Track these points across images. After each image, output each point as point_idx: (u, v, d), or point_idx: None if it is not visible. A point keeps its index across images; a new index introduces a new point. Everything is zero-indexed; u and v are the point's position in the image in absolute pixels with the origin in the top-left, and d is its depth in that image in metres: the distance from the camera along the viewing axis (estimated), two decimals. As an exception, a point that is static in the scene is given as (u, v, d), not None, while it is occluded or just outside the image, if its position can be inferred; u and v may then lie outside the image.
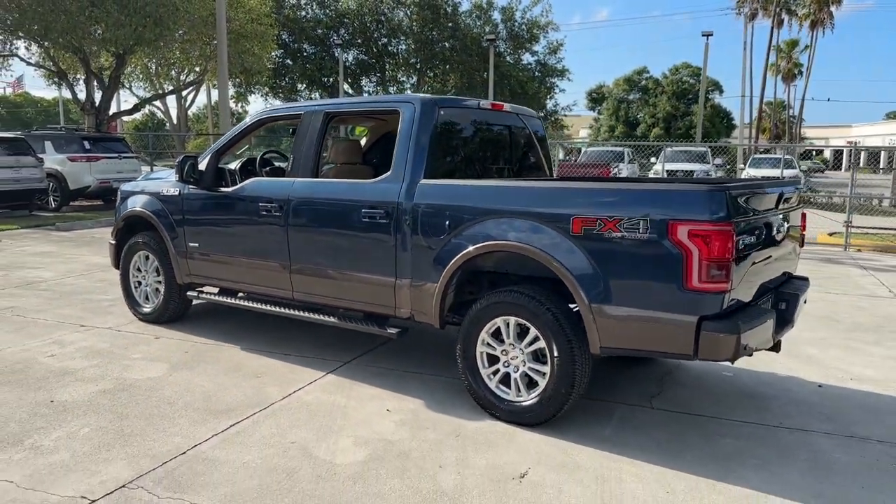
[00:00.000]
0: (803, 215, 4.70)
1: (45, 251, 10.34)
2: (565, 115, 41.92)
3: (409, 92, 39.90)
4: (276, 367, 4.98)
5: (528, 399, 3.98)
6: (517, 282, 4.12)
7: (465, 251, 4.06)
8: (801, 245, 4.69)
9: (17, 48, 21.15)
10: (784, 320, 4.17)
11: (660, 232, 3.43)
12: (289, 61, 37.15)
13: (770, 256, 3.97)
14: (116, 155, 16.82)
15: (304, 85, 38.89)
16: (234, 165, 5.91)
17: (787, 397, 4.61)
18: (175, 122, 41.01)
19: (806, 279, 4.71)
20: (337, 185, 4.81)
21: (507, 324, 4.02)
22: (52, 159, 16.07)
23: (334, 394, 4.48)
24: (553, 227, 3.76)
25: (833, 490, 3.32)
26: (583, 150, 28.44)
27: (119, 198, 6.38)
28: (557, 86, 38.54)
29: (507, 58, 36.15)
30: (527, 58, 37.96)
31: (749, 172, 23.90)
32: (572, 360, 3.78)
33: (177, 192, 5.70)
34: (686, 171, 22.44)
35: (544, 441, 3.83)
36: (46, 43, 19.48)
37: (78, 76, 21.44)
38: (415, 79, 39.47)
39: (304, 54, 37.53)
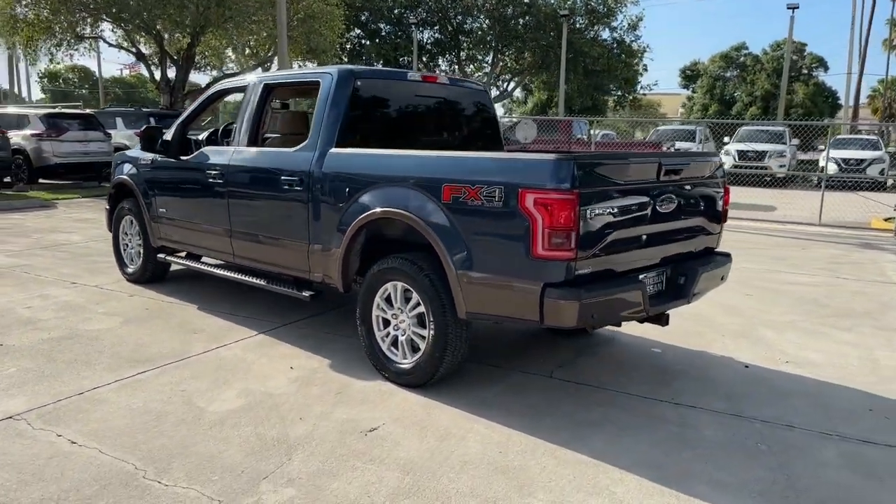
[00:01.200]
0: (726, 189, 4.55)
1: (88, 218, 11.18)
2: (644, 94, 40.67)
3: (485, 71, 39.86)
4: (217, 326, 5.31)
5: (411, 362, 4.10)
6: (408, 248, 4.23)
7: (358, 218, 4.21)
8: (722, 221, 4.54)
9: (102, 30, 22.63)
10: (676, 294, 4.09)
11: (511, 200, 3.46)
12: (366, 41, 37.82)
13: (655, 229, 3.90)
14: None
15: (381, 64, 39.52)
16: (202, 136, 6.25)
17: (699, 374, 4.51)
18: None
19: (726, 255, 4.58)
20: (264, 154, 5.04)
21: (396, 289, 4.15)
22: (121, 134, 17.22)
23: (252, 352, 4.74)
24: (428, 195, 3.85)
25: (674, 464, 3.28)
26: (653, 129, 27.60)
27: (113, 165, 6.87)
28: (639, 63, 37.42)
29: (584, 34, 35.35)
30: (605, 34, 37.03)
31: (832, 154, 22.53)
32: (445, 325, 3.88)
33: (149, 161, 6.10)
34: (757, 152, 21.48)
35: (418, 401, 3.95)
36: (128, 25, 20.73)
37: (154, 57, 22.67)
38: (490, 57, 39.33)
39: (382, 34, 38.08)
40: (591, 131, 19.77)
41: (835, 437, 3.62)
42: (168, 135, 5.86)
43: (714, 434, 3.62)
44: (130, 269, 6.64)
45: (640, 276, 3.88)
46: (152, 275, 6.49)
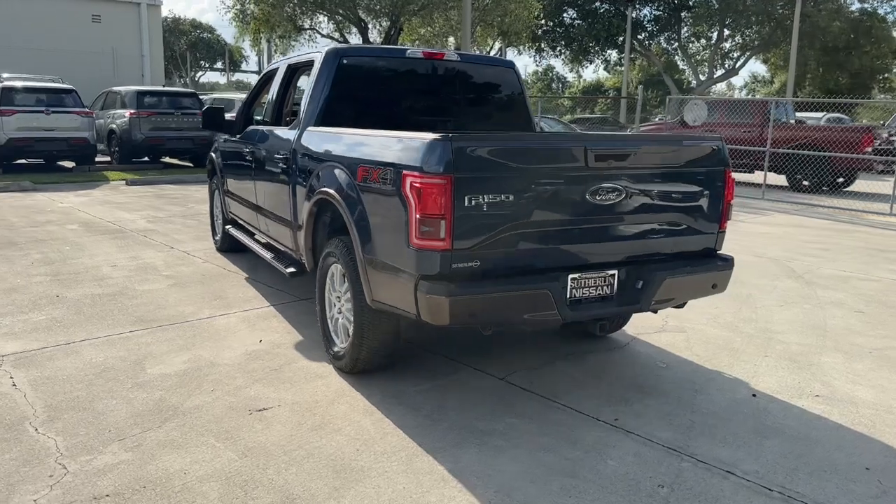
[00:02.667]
0: (728, 180, 3.76)
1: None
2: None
3: (709, 50, 36.92)
4: (242, 295, 5.62)
5: (341, 347, 4.01)
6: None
7: (312, 198, 4.18)
8: (721, 217, 3.78)
9: (319, 22, 24.75)
10: (627, 299, 3.52)
11: (397, 183, 3.22)
12: (578, 21, 36.95)
13: (589, 224, 3.37)
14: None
15: (598, 44, 38.40)
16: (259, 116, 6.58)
17: (681, 397, 3.84)
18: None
19: (724, 259, 3.82)
20: (270, 134, 5.18)
21: (336, 272, 4.07)
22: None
23: (245, 322, 4.95)
24: (350, 176, 3.71)
25: (532, 493, 2.85)
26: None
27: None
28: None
29: (824, 4, 31.13)
30: (855, 4, 32.28)
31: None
32: (361, 312, 3.73)
33: (223, 140, 6.60)
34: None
35: (337, 387, 3.85)
36: (336, 16, 22.48)
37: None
38: (715, 33, 36.32)
39: (598, 13, 36.94)
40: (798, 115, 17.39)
41: (776, 496, 2.88)
42: (231, 115, 6.28)
43: (617, 466, 3.07)
44: (216, 239, 7.26)
45: (570, 276, 3.39)
46: (229, 245, 7.03)
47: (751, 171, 14.92)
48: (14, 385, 3.77)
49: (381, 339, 3.79)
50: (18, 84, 14.03)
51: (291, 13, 22.55)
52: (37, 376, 3.90)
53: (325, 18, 23.46)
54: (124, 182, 13.17)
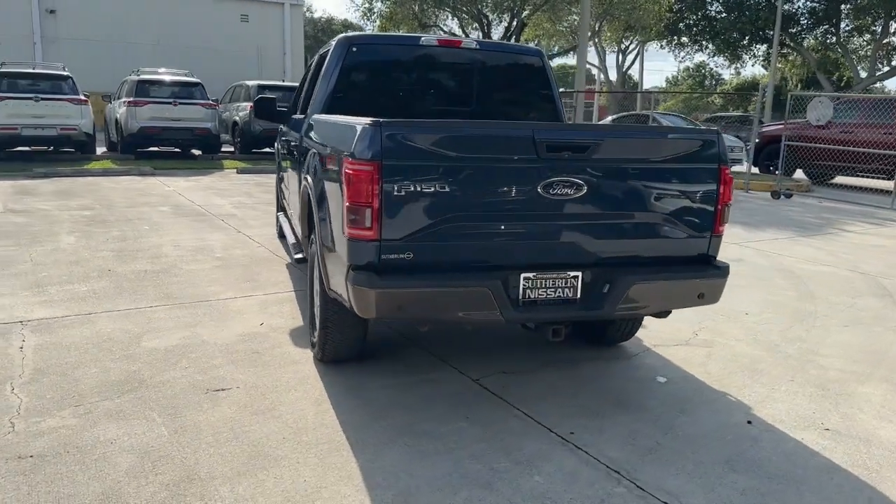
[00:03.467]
0: (725, 179, 3.34)
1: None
2: None
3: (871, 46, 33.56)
4: (273, 279, 5.77)
5: (315, 335, 4.00)
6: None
7: (301, 184, 4.20)
8: (716, 219, 3.37)
9: (445, 19, 25.03)
10: (590, 304, 3.24)
11: (339, 168, 3.15)
12: (723, 14, 34.74)
13: (545, 220, 3.12)
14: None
15: (744, 39, 36.00)
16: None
17: (659, 419, 3.48)
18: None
19: (717, 267, 3.41)
20: (294, 121, 5.25)
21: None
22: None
23: (259, 306, 5.07)
24: (320, 163, 3.69)
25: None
26: None
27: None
28: None
29: None
30: None
31: None
32: (324, 302, 3.69)
33: (279, 129, 6.81)
34: None
35: (304, 375, 3.83)
36: (460, 12, 22.65)
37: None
38: (880, 26, 32.86)
39: (746, 5, 34.56)
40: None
41: (708, 536, 2.53)
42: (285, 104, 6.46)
43: (541, 483, 2.82)
44: (278, 225, 7.52)
45: (523, 276, 3.17)
46: (281, 231, 7.24)
47: (890, 178, 13.37)
48: (20, 348, 4.08)
49: (343, 330, 3.73)
50: (151, 78, 15.28)
51: (417, 11, 22.98)
52: (45, 342, 4.20)
53: (450, 15, 23.70)
54: (236, 170, 13.99)
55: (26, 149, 14.06)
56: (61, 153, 14.68)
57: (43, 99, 13.41)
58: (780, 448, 3.20)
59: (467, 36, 24.54)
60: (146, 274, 5.80)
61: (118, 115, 15.14)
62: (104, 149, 16.59)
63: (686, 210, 3.33)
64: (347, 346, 3.82)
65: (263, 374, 3.84)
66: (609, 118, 21.07)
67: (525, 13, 21.80)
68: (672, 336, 4.70)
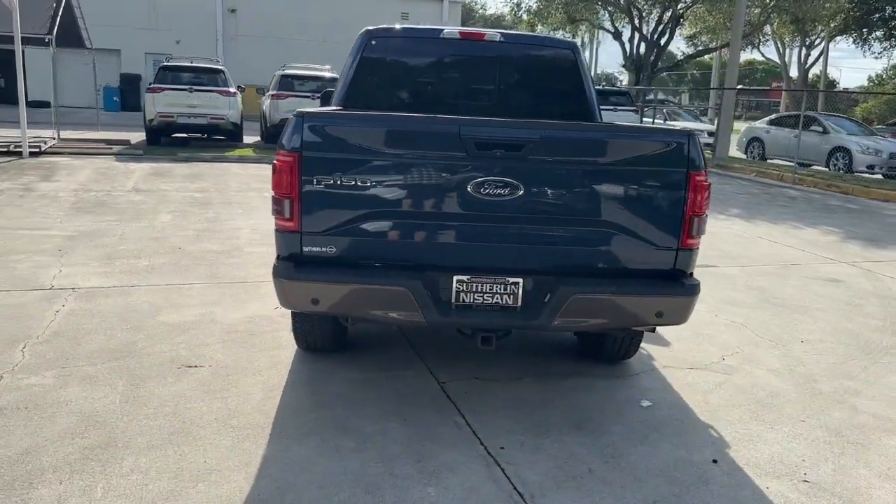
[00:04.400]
0: (696, 186, 2.96)
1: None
2: None
3: None
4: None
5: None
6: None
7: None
8: (683, 231, 3.00)
9: (595, 12, 24.30)
10: (529, 314, 3.04)
11: (288, 159, 3.18)
12: None
13: (471, 220, 2.96)
14: (612, 108, 18.14)
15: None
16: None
17: (617, 449, 3.18)
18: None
19: (681, 284, 3.04)
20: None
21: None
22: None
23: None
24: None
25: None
26: None
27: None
28: None
29: None
30: None
31: None
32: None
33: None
34: None
35: (282, 359, 3.93)
36: (610, 6, 21.94)
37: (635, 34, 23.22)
38: None
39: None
40: None
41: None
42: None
43: (431, 495, 2.69)
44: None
45: (456, 278, 3.03)
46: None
47: None
48: (56, 311, 4.54)
49: (308, 320, 3.75)
50: (295, 73, 16.26)
51: (566, 5, 22.51)
52: (79, 308, 4.64)
53: (600, 7, 22.96)
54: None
55: (184, 135, 15.51)
56: (213, 140, 16.04)
57: (196, 90, 14.56)
58: (730, 495, 2.81)
59: (617, 30, 23.70)
60: (209, 253, 6.21)
61: (264, 107, 16.28)
62: (258, 138, 17.87)
63: (647, 220, 3.00)
64: (319, 337, 3.85)
65: (242, 355, 3.98)
66: (765, 119, 19.42)
67: (680, 5, 20.61)
68: (694, 358, 4.27)
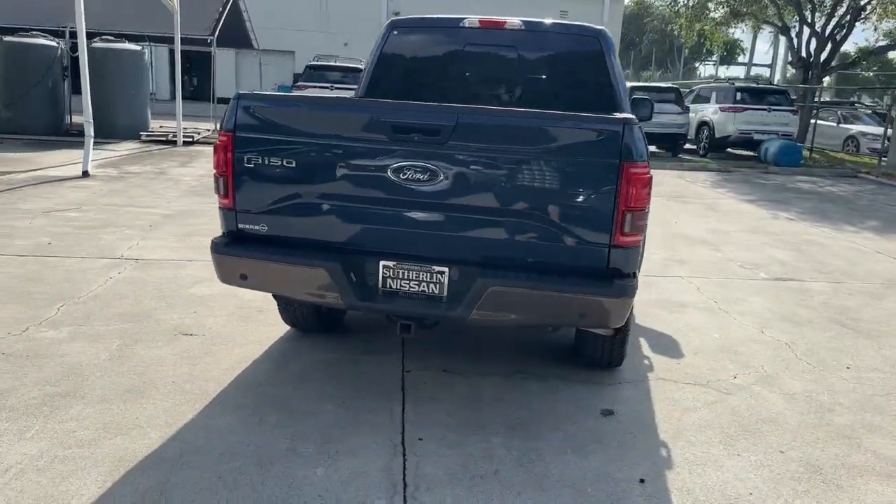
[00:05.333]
0: (632, 178, 2.70)
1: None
2: None
3: None
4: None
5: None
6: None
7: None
8: (616, 226, 2.76)
9: (764, 7, 22.44)
10: (451, 304, 2.95)
11: (238, 142, 3.34)
12: None
13: (392, 205, 2.93)
14: (766, 107, 16.76)
15: None
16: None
17: (540, 438, 3.01)
18: None
19: (609, 283, 2.80)
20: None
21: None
22: (710, 109, 17.46)
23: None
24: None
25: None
26: None
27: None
28: None
29: None
30: None
31: None
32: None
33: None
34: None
35: (274, 335, 4.13)
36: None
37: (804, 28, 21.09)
38: None
39: None
40: None
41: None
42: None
43: (314, 477, 2.71)
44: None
45: (382, 263, 3.02)
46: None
47: None
48: (110, 278, 5.06)
49: (293, 308, 3.89)
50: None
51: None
52: (131, 276, 5.14)
53: (767, 1, 21.13)
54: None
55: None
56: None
57: (336, 88, 15.54)
58: (632, 517, 2.56)
59: (785, 25, 21.75)
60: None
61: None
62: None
63: (575, 213, 2.80)
64: (300, 315, 3.98)
65: (239, 328, 4.21)
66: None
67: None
68: (699, 373, 3.91)
